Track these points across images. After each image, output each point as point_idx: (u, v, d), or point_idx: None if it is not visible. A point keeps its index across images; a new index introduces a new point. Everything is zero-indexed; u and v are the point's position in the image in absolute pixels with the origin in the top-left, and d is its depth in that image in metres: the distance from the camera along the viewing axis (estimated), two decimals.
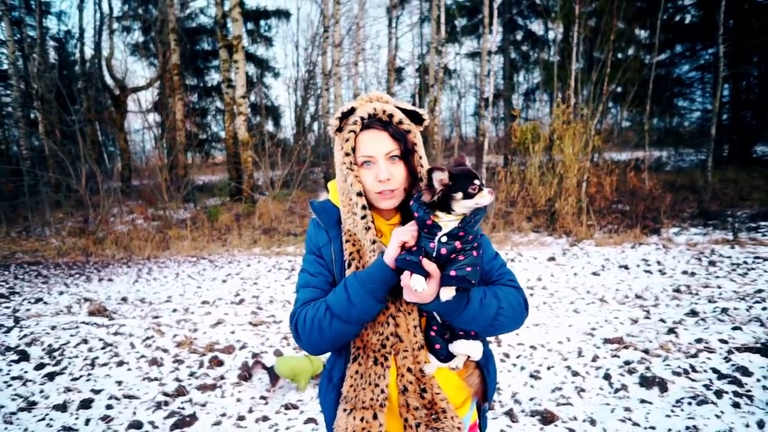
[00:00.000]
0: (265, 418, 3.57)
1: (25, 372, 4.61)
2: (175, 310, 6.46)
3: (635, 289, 6.20)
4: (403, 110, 1.43)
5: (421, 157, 1.43)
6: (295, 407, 3.74)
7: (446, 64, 18.64)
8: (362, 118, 1.38)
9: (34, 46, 17.43)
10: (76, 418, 3.72)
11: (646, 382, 3.71)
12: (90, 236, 11.85)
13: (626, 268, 7.24)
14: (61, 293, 7.69)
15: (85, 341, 5.31)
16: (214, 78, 24.43)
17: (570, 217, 10.18)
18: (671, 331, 4.69)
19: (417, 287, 1.24)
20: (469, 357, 1.43)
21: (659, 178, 12.47)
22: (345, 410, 1.37)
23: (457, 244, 1.27)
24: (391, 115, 1.39)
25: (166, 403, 3.90)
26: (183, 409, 3.80)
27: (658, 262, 7.37)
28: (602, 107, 11.79)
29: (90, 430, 3.54)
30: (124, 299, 7.15)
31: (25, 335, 5.60)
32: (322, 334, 1.35)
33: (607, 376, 3.89)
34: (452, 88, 24.05)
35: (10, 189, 16.28)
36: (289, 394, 3.94)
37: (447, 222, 1.27)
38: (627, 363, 4.08)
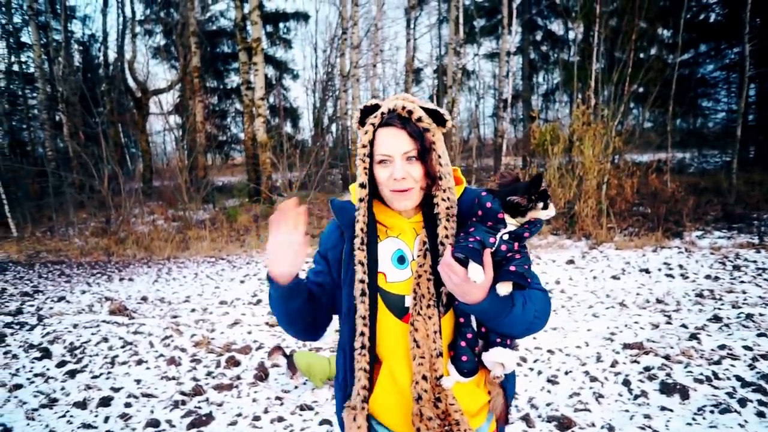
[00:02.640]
0: (280, 419, 3.58)
1: (47, 369, 4.71)
2: (193, 310, 6.54)
3: (656, 294, 6.08)
4: (426, 110, 1.40)
5: (440, 156, 1.38)
6: (311, 408, 3.75)
7: (465, 65, 18.56)
8: (382, 113, 1.37)
9: (59, 50, 17.82)
10: (96, 416, 3.78)
11: (667, 388, 3.63)
12: (112, 236, 12.06)
13: (647, 271, 7.11)
14: (84, 292, 7.84)
15: (106, 340, 5.41)
16: (233, 80, 24.70)
17: (590, 219, 10.03)
18: (693, 336, 4.58)
19: (476, 277, 1.22)
20: (503, 366, 1.38)
21: (682, 181, 12.23)
22: (344, 407, 1.44)
23: (516, 244, 1.28)
24: (410, 112, 1.36)
25: (184, 402, 3.94)
26: (200, 408, 3.83)
27: (681, 266, 7.22)
28: (623, 108, 11.60)
29: (109, 427, 3.59)
30: (144, 299, 7.26)
31: (47, 333, 5.73)
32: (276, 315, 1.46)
33: (626, 382, 3.82)
34: (471, 89, 23.95)
35: (35, 190, 16.67)
36: (304, 395, 3.95)
37: (510, 222, 1.28)
38: (647, 369, 4.00)
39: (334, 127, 20.72)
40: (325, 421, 3.52)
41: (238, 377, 4.37)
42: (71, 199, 14.21)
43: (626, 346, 4.49)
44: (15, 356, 5.07)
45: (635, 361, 4.18)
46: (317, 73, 22.25)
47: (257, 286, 7.75)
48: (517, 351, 1.40)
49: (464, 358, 1.35)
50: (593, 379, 3.92)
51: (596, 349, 4.50)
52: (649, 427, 3.21)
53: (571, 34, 19.55)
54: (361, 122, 1.42)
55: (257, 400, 3.93)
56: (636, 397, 3.61)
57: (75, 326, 5.96)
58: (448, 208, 1.38)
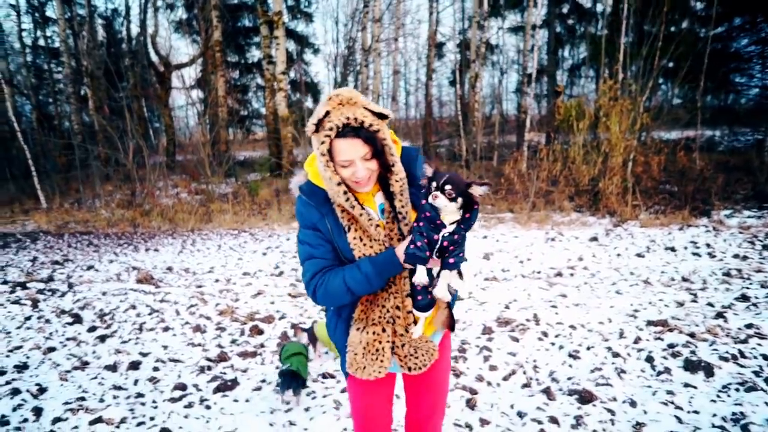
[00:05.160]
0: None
1: (79, 334, 4.87)
2: (217, 280, 6.66)
3: (682, 272, 5.98)
4: (372, 111, 1.63)
5: (390, 148, 1.68)
6: (332, 377, 3.82)
7: (488, 39, 18.17)
8: (337, 126, 1.57)
9: (83, 24, 17.93)
10: (126, 378, 3.91)
11: (691, 366, 3.60)
12: (137, 208, 12.29)
13: (673, 250, 6.99)
14: (111, 261, 8.04)
15: (134, 307, 5.55)
16: (255, 55, 24.56)
17: (614, 197, 9.86)
18: (720, 315, 4.52)
19: (420, 279, 1.69)
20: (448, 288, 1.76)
21: (711, 159, 11.89)
22: (358, 329, 1.78)
23: (456, 236, 1.65)
24: (362, 122, 1.58)
25: (209, 368, 4.05)
26: (225, 374, 3.93)
27: (708, 245, 7.08)
28: (652, 83, 11.26)
29: (138, 390, 3.71)
30: (170, 269, 7.41)
31: (78, 300, 5.91)
32: (341, 300, 1.75)
33: (649, 359, 3.79)
34: (494, 64, 23.47)
35: (63, 162, 17.02)
36: (326, 364, 4.02)
37: (449, 221, 1.64)
38: (671, 346, 3.96)
39: None
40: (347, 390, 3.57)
41: (262, 345, 4.47)
42: (97, 172, 14.47)
43: (650, 323, 4.45)
44: (48, 321, 5.25)
45: (659, 338, 4.14)
46: (338, 47, 22.06)
47: (279, 258, 7.84)
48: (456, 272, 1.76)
49: (419, 297, 1.76)
50: (615, 355, 3.90)
51: (619, 326, 4.46)
52: (672, 402, 3.19)
53: (599, 7, 18.96)
54: (315, 129, 1.63)
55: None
56: (659, 373, 3.58)
57: (104, 294, 6.13)
58: (401, 186, 1.73)
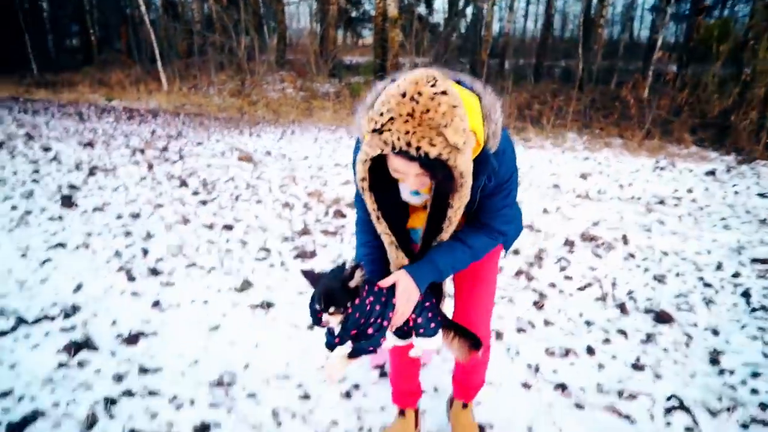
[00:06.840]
0: None
1: (184, 196, 5.36)
2: (310, 167, 6.94)
3: None
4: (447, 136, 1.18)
5: (462, 174, 1.28)
6: None
7: None
8: (393, 146, 1.18)
9: None
10: (219, 236, 4.29)
11: None
12: (245, 98, 12.88)
13: None
14: (218, 141, 8.61)
15: (233, 179, 5.98)
16: None
17: (747, 133, 8.72)
18: None
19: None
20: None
21: None
22: None
23: (353, 332, 1.46)
24: (425, 153, 1.17)
25: (293, 239, 4.31)
26: (305, 245, 4.18)
27: None
28: None
29: (229, 247, 4.07)
30: (269, 153, 7.80)
31: (186, 168, 6.45)
32: None
33: (746, 294, 3.48)
34: None
35: (183, 49, 18.00)
36: None
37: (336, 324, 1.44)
38: None
39: (469, 11, 19.42)
40: None
41: (342, 227, 4.66)
42: (213, 60, 15.18)
43: (756, 260, 4.04)
44: (159, 182, 5.82)
45: (762, 277, 3.77)
46: None
47: None
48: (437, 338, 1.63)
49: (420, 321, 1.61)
50: (707, 285, 3.62)
51: (718, 258, 4.10)
52: (762, 339, 2.94)
53: None
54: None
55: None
56: (753, 309, 3.29)
57: (208, 166, 6.64)
58: (457, 209, 1.42)
